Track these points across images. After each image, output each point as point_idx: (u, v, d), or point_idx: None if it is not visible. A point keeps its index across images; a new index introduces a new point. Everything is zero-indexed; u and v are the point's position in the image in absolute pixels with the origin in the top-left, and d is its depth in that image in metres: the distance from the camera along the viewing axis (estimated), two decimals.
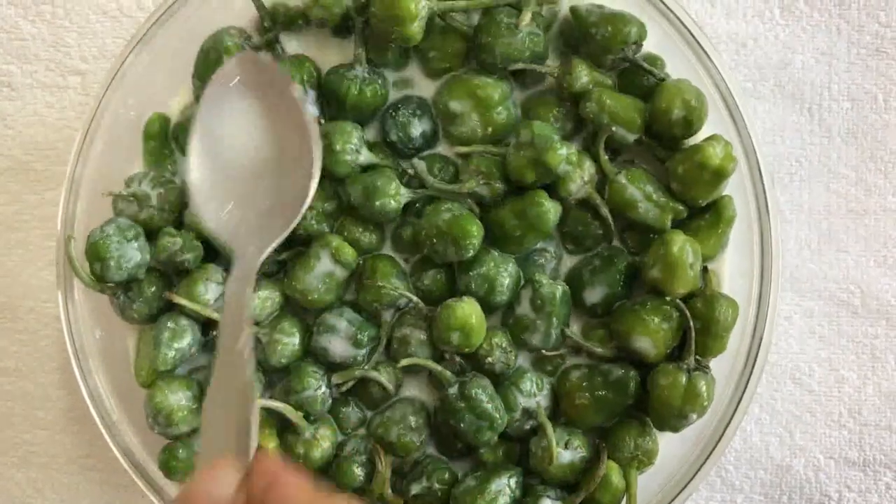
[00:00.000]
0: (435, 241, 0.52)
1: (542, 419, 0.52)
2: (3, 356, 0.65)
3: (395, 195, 0.52)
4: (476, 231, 0.52)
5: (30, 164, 0.64)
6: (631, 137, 0.53)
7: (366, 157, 0.53)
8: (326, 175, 0.52)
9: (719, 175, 0.52)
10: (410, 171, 0.54)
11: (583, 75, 0.53)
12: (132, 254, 0.52)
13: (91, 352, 0.56)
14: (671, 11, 0.54)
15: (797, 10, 0.62)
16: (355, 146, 0.53)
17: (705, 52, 0.54)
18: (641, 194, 0.53)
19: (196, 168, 0.50)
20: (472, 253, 0.52)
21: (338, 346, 0.53)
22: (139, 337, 0.56)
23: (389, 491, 0.54)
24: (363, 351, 0.54)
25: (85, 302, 0.56)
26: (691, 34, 0.54)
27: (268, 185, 0.50)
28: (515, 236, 0.53)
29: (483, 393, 0.52)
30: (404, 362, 0.53)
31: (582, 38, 0.54)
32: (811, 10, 0.61)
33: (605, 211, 0.53)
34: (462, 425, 0.52)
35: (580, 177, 0.53)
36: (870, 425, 0.62)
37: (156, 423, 0.53)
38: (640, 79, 0.54)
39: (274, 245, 0.49)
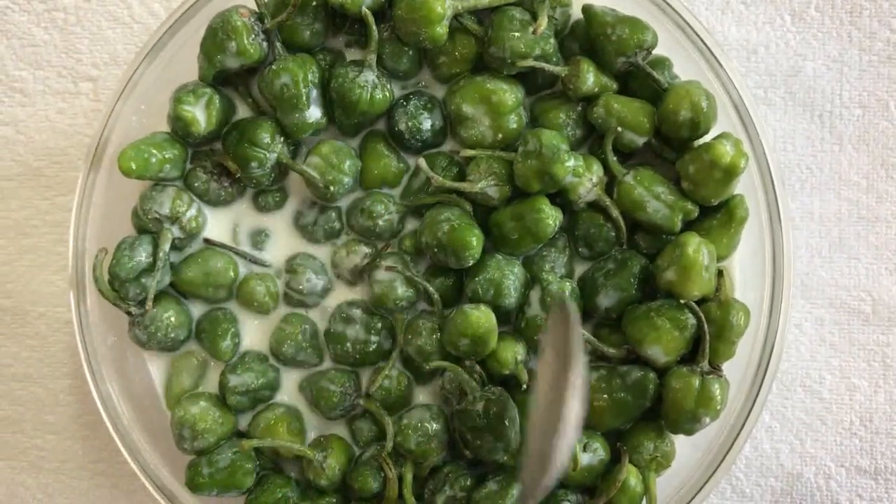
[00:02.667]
0: (436, 250, 0.53)
1: None
2: (13, 361, 0.65)
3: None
4: (475, 242, 0.52)
5: (41, 170, 0.64)
6: (640, 141, 0.53)
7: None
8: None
9: (730, 173, 0.51)
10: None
11: (589, 77, 0.53)
12: (140, 258, 0.54)
13: (103, 358, 0.56)
14: (682, 19, 0.54)
15: (808, 18, 0.62)
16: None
17: (717, 59, 0.54)
18: (650, 194, 0.53)
19: None
20: (472, 262, 0.52)
21: (352, 332, 0.55)
22: (172, 365, 0.57)
23: (413, 499, 0.54)
24: (377, 338, 0.55)
25: (97, 308, 0.56)
26: (703, 41, 0.54)
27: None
28: (512, 239, 0.53)
29: (507, 416, 0.52)
30: (433, 364, 0.53)
31: (594, 39, 0.53)
32: (822, 18, 0.61)
33: (615, 212, 0.53)
34: (479, 442, 0.52)
35: (589, 180, 0.53)
36: (881, 433, 0.61)
37: (183, 440, 0.54)
38: (644, 83, 0.54)
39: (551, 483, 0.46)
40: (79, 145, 0.64)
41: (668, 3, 0.54)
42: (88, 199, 0.55)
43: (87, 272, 0.55)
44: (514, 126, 0.54)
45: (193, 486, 0.53)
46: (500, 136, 0.54)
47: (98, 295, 0.55)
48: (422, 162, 0.54)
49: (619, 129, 0.53)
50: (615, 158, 0.54)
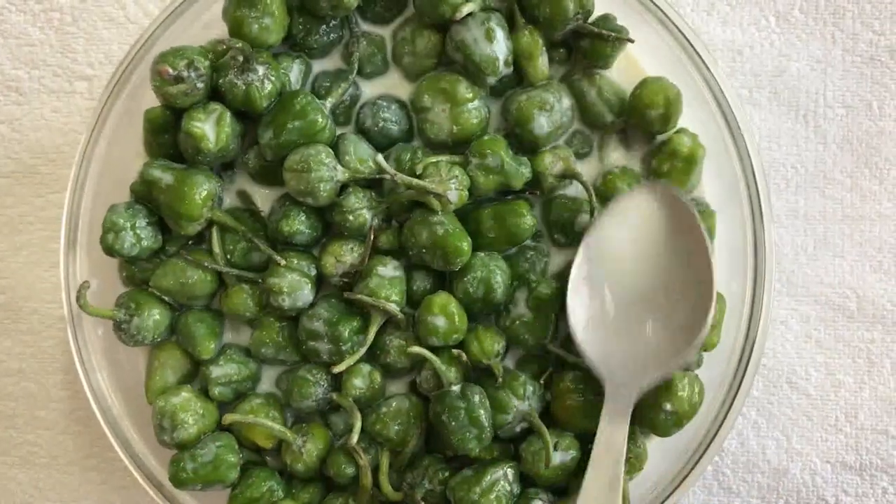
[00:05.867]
0: (423, 251, 0.53)
1: (536, 422, 0.53)
2: (6, 357, 0.65)
3: (357, 210, 0.53)
4: (466, 247, 0.52)
5: (36, 168, 0.65)
6: (609, 117, 0.55)
7: (342, 173, 0.53)
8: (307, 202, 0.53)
9: (690, 161, 0.54)
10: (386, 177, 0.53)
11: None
12: (147, 234, 0.54)
13: (94, 349, 0.56)
14: (669, 19, 0.55)
15: (792, 19, 0.63)
16: (331, 166, 0.52)
17: (702, 60, 0.55)
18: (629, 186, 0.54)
19: (579, 295, 0.52)
20: (460, 266, 0.53)
21: (322, 346, 0.54)
22: (152, 356, 0.56)
23: (389, 487, 0.54)
24: (348, 345, 0.53)
25: (89, 300, 0.56)
26: (688, 41, 0.55)
27: (656, 314, 0.51)
28: (489, 238, 0.54)
29: (481, 400, 0.53)
30: (413, 349, 0.53)
31: (529, 16, 0.54)
32: (806, 19, 0.62)
33: (583, 179, 0.54)
34: (454, 423, 0.52)
35: (553, 155, 0.54)
36: (866, 429, 0.62)
37: (163, 431, 0.53)
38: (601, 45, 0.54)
39: (653, 383, 0.48)
40: (73, 143, 0.64)
41: (652, 2, 0.55)
42: (80, 193, 0.56)
43: (78, 261, 0.56)
44: (475, 122, 0.54)
45: (177, 481, 0.53)
46: (457, 128, 0.54)
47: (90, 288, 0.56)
48: (380, 158, 0.53)
49: (625, 122, 0.54)
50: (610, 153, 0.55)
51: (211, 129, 0.52)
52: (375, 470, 0.54)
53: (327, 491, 0.56)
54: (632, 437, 0.53)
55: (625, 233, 0.52)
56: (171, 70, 0.51)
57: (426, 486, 0.54)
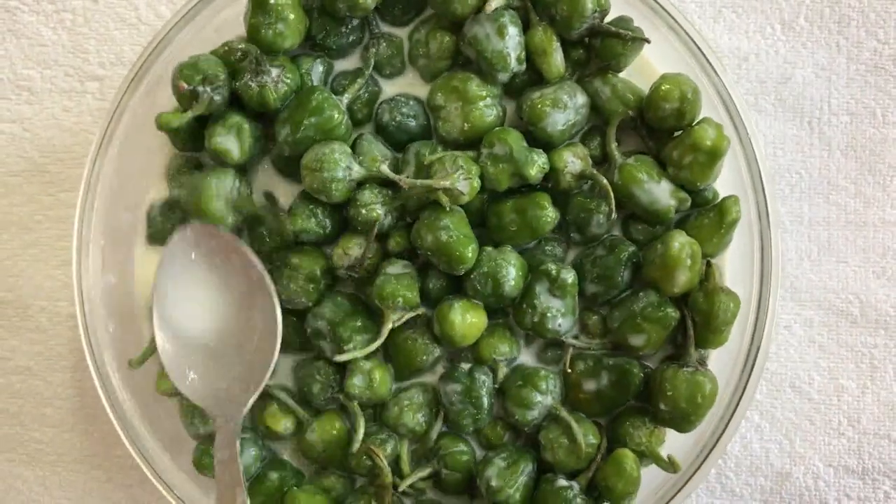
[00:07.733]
0: (430, 253, 0.53)
1: (563, 415, 0.54)
2: (14, 355, 0.66)
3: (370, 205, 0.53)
4: (470, 254, 0.52)
5: (45, 167, 0.65)
6: (626, 111, 0.55)
7: (357, 171, 0.53)
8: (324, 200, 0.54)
9: (713, 155, 0.53)
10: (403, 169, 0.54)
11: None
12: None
13: (104, 345, 0.57)
14: (678, 25, 0.55)
15: (798, 27, 0.63)
16: (347, 164, 0.53)
17: (711, 65, 0.55)
18: (651, 179, 0.54)
19: (162, 340, 0.54)
20: (464, 271, 0.53)
21: (327, 346, 0.55)
22: None
23: (409, 469, 0.56)
24: (349, 345, 0.54)
25: (99, 297, 0.57)
26: (698, 48, 0.55)
27: (232, 351, 0.54)
28: (511, 231, 0.54)
29: (486, 384, 0.54)
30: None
31: (546, 14, 0.55)
32: (811, 27, 0.63)
33: (603, 181, 0.54)
34: (457, 406, 0.54)
35: (571, 152, 0.54)
36: (869, 434, 0.62)
37: (192, 426, 0.56)
38: (605, 48, 0.55)
39: (246, 409, 0.52)
40: (84, 143, 0.65)
41: (663, 8, 0.55)
42: (93, 191, 0.57)
43: (90, 259, 0.57)
44: (487, 119, 0.54)
45: (200, 465, 0.55)
46: (467, 125, 0.54)
47: (98, 286, 0.56)
48: (383, 167, 0.53)
49: (630, 113, 0.54)
50: (616, 145, 0.55)
51: (233, 142, 0.53)
52: (390, 461, 0.55)
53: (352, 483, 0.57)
54: (645, 420, 0.54)
55: (190, 277, 0.54)
56: (186, 85, 0.52)
57: (444, 472, 0.55)
